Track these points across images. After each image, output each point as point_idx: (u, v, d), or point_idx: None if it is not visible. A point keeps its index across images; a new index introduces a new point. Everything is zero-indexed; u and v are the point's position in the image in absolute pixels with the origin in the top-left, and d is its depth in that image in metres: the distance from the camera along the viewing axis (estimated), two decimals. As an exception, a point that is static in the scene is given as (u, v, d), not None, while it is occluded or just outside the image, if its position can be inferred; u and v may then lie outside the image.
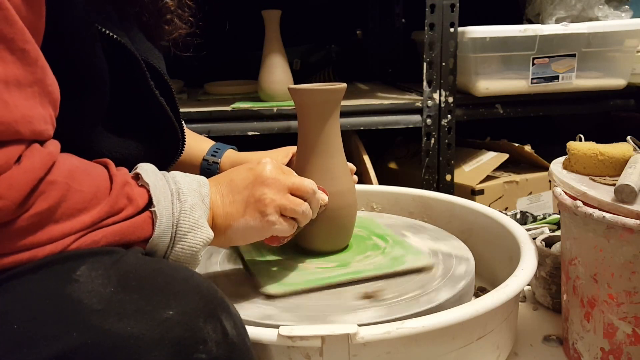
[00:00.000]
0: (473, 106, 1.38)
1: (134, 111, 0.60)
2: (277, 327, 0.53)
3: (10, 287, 0.40)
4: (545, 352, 0.72)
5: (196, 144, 0.86)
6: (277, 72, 1.37)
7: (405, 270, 0.69)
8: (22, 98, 0.41)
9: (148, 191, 0.50)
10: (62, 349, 0.37)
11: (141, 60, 0.57)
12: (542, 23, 1.40)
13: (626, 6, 1.42)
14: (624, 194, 0.57)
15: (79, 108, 0.52)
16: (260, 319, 0.59)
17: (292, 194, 0.60)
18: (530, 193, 1.44)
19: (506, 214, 0.95)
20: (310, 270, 0.69)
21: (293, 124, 1.30)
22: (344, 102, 0.79)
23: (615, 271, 0.60)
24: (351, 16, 1.94)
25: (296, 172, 0.65)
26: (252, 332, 0.51)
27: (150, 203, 0.50)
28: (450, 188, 1.37)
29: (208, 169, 0.85)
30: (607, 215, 0.57)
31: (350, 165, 0.77)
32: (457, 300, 0.64)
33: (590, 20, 1.38)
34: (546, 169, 0.86)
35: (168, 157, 0.66)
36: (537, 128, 1.79)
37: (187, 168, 0.82)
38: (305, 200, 0.60)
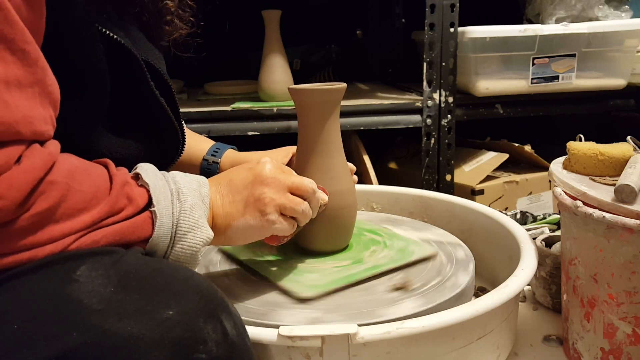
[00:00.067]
0: (473, 106, 1.38)
1: (134, 111, 0.60)
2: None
3: (10, 287, 0.40)
4: (545, 352, 0.72)
5: (196, 143, 0.86)
6: (277, 72, 1.37)
7: (417, 260, 0.72)
8: (22, 98, 0.41)
9: (148, 191, 0.50)
10: (62, 349, 0.37)
11: (141, 61, 0.57)
12: (542, 23, 1.40)
13: (626, 6, 1.42)
14: (624, 194, 0.57)
15: (79, 108, 0.52)
16: (310, 323, 0.57)
17: (292, 193, 0.60)
18: (530, 193, 1.44)
19: (506, 214, 0.95)
20: (330, 270, 0.69)
21: (293, 124, 1.30)
22: (344, 102, 0.79)
23: (615, 271, 0.60)
24: (351, 16, 1.94)
25: (296, 172, 0.65)
26: (252, 332, 0.51)
27: (150, 203, 0.50)
28: (450, 188, 1.37)
29: (208, 168, 0.85)
30: (607, 215, 0.57)
31: (350, 165, 0.77)
32: (472, 283, 0.70)
33: (590, 20, 1.38)
34: (546, 169, 0.86)
35: (168, 157, 0.66)
36: (537, 128, 1.79)
37: (187, 168, 0.82)
38: (305, 200, 0.60)
